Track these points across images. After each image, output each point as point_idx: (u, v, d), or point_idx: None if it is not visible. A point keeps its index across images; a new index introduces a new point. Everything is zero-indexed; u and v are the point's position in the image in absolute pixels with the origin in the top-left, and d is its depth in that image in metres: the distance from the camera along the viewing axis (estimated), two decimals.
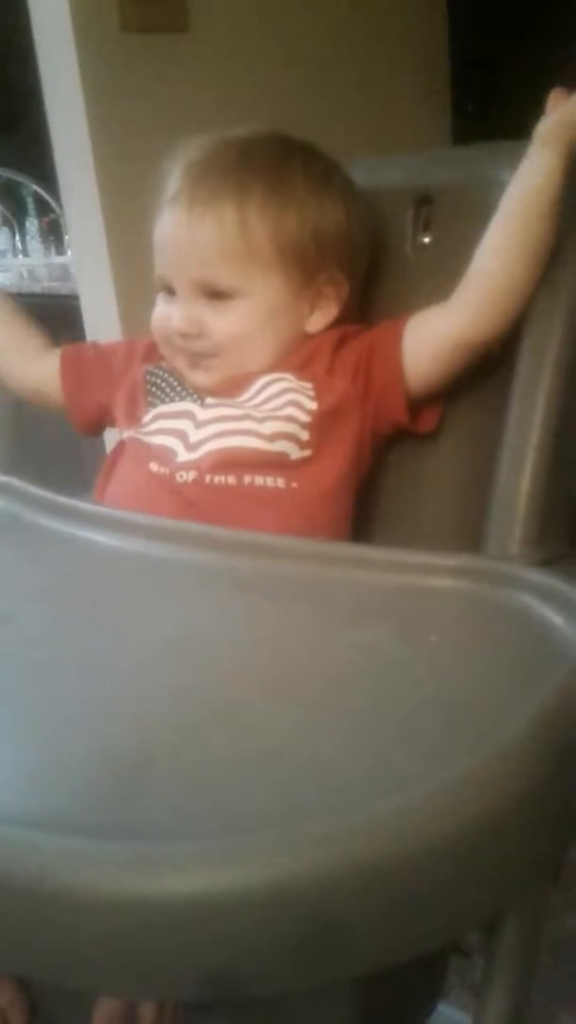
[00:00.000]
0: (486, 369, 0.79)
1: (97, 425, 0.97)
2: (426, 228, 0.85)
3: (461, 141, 1.75)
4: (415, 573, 0.60)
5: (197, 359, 0.85)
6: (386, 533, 0.84)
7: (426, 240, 0.85)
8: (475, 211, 0.80)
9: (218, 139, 0.84)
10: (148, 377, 0.88)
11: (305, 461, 0.81)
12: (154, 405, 0.87)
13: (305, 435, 0.80)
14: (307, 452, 0.81)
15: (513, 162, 0.77)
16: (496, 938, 0.54)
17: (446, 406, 0.82)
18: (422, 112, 1.71)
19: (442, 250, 0.84)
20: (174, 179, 0.84)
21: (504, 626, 0.55)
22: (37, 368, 0.96)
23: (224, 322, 0.82)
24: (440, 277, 0.84)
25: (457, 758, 0.43)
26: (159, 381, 0.88)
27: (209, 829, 0.40)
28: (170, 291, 0.85)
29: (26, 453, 2.20)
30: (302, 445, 0.81)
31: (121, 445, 0.87)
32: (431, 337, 0.80)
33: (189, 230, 0.81)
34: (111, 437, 0.99)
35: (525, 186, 0.76)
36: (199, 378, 0.85)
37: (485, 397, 0.79)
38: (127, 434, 0.87)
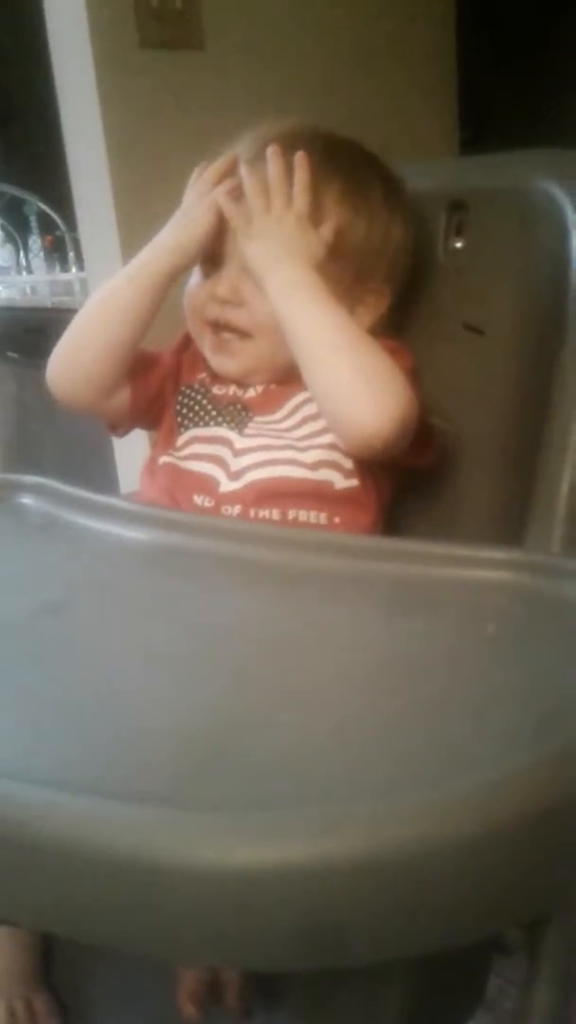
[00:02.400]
0: (525, 371, 0.80)
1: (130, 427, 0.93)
2: (458, 233, 0.86)
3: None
4: (464, 566, 0.61)
5: (225, 342, 0.83)
6: (420, 531, 0.84)
7: (458, 245, 0.86)
8: (508, 217, 0.82)
9: (301, 125, 0.83)
10: (180, 398, 0.87)
11: (350, 491, 0.80)
12: (186, 427, 0.85)
13: (348, 463, 0.80)
14: (353, 481, 0.80)
15: (547, 168, 0.78)
16: (540, 934, 0.54)
17: (484, 407, 0.83)
18: (431, 125, 1.75)
19: (474, 255, 0.85)
20: (253, 145, 0.82)
21: (559, 617, 0.55)
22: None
23: (264, 301, 0.79)
24: (471, 282, 0.85)
25: (531, 742, 0.43)
26: (191, 402, 0.86)
27: (287, 801, 0.40)
28: (214, 262, 0.83)
29: (30, 458, 2.19)
30: (346, 474, 0.80)
31: (155, 467, 0.85)
32: None
33: None
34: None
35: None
36: (223, 364, 0.84)
37: (523, 397, 0.80)
38: (164, 459, 0.85)
